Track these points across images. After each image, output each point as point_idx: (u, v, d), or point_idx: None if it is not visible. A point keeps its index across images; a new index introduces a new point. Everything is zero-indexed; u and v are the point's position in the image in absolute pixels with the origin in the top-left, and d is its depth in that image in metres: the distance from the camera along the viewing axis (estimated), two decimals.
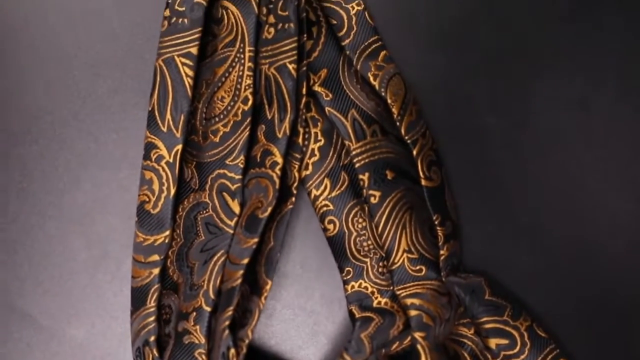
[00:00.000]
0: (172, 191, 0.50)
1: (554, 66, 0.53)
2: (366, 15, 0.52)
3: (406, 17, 0.53)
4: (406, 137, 0.50)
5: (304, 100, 0.51)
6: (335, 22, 0.52)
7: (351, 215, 0.52)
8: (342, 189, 0.52)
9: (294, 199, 0.51)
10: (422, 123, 0.51)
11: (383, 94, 0.50)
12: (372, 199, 0.50)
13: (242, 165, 0.51)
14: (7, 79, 0.54)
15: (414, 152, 0.50)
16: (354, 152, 0.50)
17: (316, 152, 0.52)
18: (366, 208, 0.51)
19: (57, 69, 0.54)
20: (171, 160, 0.50)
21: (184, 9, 0.50)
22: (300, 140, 0.51)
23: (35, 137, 0.54)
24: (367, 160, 0.50)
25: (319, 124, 0.52)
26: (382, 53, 0.52)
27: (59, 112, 0.54)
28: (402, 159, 0.51)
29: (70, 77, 0.54)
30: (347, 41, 0.52)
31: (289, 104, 0.50)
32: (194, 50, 0.50)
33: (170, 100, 0.50)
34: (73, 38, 0.54)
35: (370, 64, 0.51)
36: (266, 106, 0.51)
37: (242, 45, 0.51)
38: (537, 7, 0.53)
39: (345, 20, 0.52)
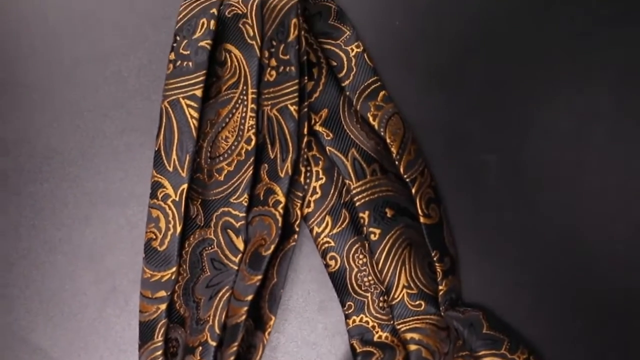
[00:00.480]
0: (179, 229, 0.51)
1: (550, 101, 0.54)
2: (365, 56, 0.54)
3: (404, 58, 0.55)
4: (405, 176, 0.51)
5: (305, 140, 0.52)
6: (335, 63, 0.54)
7: (352, 252, 0.53)
8: (343, 226, 0.53)
9: (296, 236, 0.52)
10: (420, 161, 0.52)
11: (382, 133, 0.52)
12: (372, 236, 0.52)
13: (245, 204, 0.52)
14: (19, 120, 0.56)
15: (413, 190, 0.51)
16: (354, 191, 0.52)
17: (318, 190, 0.54)
18: (367, 245, 0.53)
19: (66, 110, 0.56)
20: (177, 199, 0.51)
21: (188, 52, 0.52)
22: (302, 178, 0.53)
23: (46, 175, 0.55)
24: (367, 199, 0.52)
25: (320, 162, 0.54)
26: (381, 93, 0.53)
27: (68, 152, 0.55)
28: (402, 196, 0.53)
29: (79, 118, 0.56)
30: (347, 82, 0.53)
31: (290, 145, 0.51)
32: (199, 93, 0.52)
33: (175, 140, 0.52)
34: (82, 80, 0.56)
35: (369, 104, 0.53)
36: (269, 146, 0.52)
37: (245, 87, 0.53)
38: (532, 44, 0.55)
39: (345, 62, 0.54)
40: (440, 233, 0.52)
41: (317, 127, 0.53)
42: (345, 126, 0.53)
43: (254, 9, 0.52)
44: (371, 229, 0.52)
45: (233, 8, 0.53)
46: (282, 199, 0.51)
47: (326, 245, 0.53)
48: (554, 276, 0.53)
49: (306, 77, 0.53)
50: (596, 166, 0.53)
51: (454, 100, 0.54)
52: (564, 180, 0.53)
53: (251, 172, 0.52)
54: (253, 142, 0.52)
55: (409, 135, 0.53)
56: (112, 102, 0.56)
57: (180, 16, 0.53)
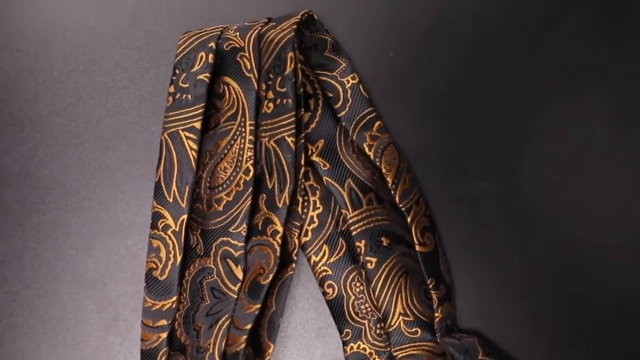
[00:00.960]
0: (179, 259, 0.52)
1: (544, 130, 0.55)
2: (361, 88, 0.55)
3: (399, 89, 0.56)
4: (400, 205, 0.52)
5: (302, 170, 0.53)
6: (331, 95, 0.55)
7: (349, 280, 0.54)
8: (340, 254, 0.54)
9: (294, 265, 0.53)
10: (416, 190, 0.53)
11: (378, 163, 0.53)
12: (368, 264, 0.52)
13: (244, 233, 0.53)
14: (22, 153, 0.57)
15: (408, 219, 0.52)
16: (350, 221, 0.53)
17: (315, 219, 0.55)
18: (363, 273, 0.54)
19: (68, 142, 0.57)
20: (177, 229, 0.52)
21: (187, 85, 0.53)
22: (299, 208, 0.54)
23: (48, 207, 0.56)
24: (363, 228, 0.53)
25: (317, 192, 0.55)
26: (377, 123, 0.54)
27: (70, 183, 0.57)
28: (397, 225, 0.54)
29: (81, 149, 0.57)
30: (343, 113, 0.55)
31: (288, 175, 0.52)
32: (198, 125, 0.53)
33: (175, 172, 0.53)
34: (83, 112, 0.57)
35: (365, 135, 0.54)
36: (267, 176, 0.53)
37: (243, 119, 0.54)
38: (526, 75, 0.56)
39: (341, 93, 0.55)
40: (436, 261, 0.53)
41: (314, 158, 0.54)
42: (341, 156, 0.54)
43: (251, 42, 0.53)
44: (368, 258, 0.53)
45: (231, 42, 0.54)
46: (280, 229, 0.52)
47: (324, 273, 0.54)
48: (549, 302, 0.53)
49: (303, 109, 0.54)
50: (591, 194, 0.54)
51: (449, 130, 0.55)
52: (559, 208, 0.54)
53: (250, 202, 0.53)
54: (251, 173, 0.53)
55: (404, 164, 0.54)
56: (114, 134, 0.57)
57: (180, 50, 0.54)
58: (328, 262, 0.54)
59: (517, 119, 0.55)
